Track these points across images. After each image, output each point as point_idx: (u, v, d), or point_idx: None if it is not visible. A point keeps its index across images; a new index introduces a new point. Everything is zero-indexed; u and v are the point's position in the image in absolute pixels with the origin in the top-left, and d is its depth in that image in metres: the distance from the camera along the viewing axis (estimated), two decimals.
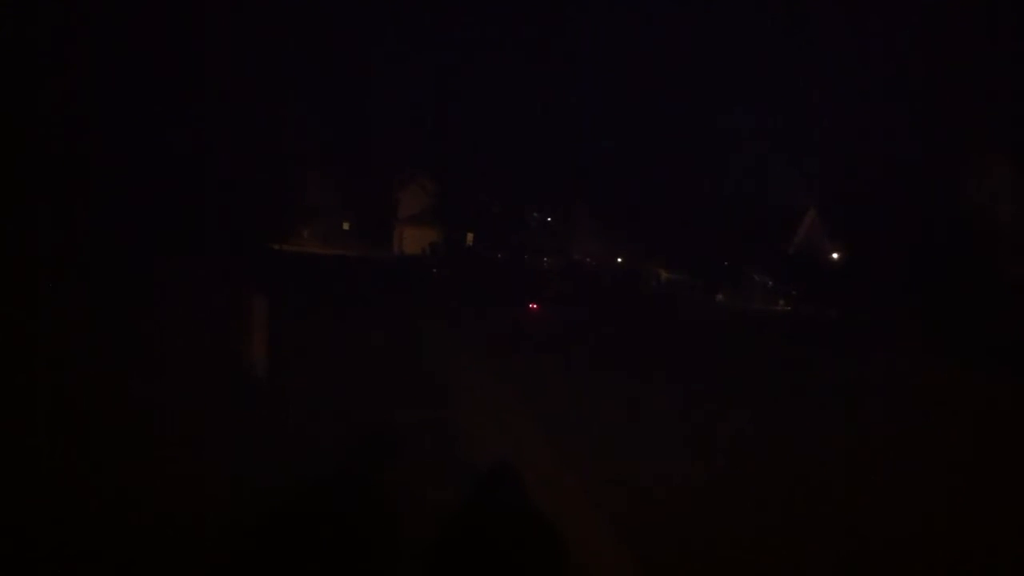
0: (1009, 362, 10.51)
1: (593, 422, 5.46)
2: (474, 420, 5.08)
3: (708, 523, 3.47)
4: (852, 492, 4.18)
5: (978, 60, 16.69)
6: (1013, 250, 14.80)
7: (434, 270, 23.72)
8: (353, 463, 3.45)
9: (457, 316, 12.00)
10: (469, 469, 3.79)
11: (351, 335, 8.17)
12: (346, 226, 38.67)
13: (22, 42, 10.61)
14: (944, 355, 11.45)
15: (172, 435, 3.86)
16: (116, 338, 6.20)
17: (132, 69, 12.35)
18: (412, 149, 38.68)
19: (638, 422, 5.65)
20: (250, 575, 2.36)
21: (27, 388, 4.42)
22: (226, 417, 4.23)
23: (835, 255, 25.32)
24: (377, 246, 35.44)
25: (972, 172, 15.33)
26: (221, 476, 3.31)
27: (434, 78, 52.98)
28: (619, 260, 32.18)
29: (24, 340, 5.76)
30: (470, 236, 35.38)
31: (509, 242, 31.52)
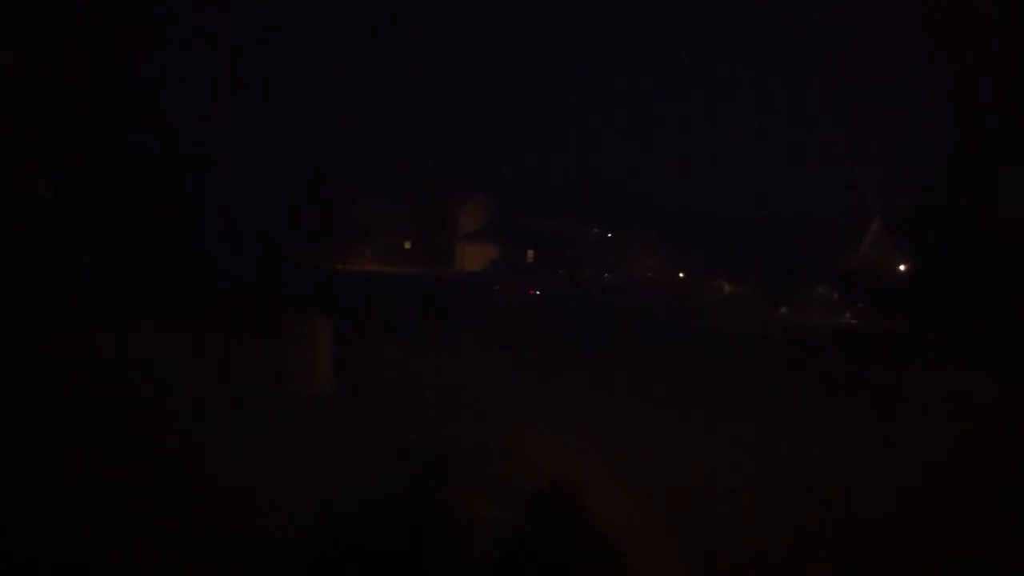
0: None
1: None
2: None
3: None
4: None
5: None
6: None
7: (496, 287, 24.53)
8: (408, 480, 3.83)
9: (513, 332, 12.20)
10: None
11: (413, 353, 8.19)
12: (407, 245, 40.07)
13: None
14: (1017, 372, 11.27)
15: (235, 451, 3.99)
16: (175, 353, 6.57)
17: (192, 92, 13.54)
18: (471, 168, 39.87)
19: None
20: None
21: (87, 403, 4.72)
22: (290, 434, 4.43)
23: (902, 267, 24.71)
24: (438, 264, 36.66)
25: None
26: (281, 492, 3.42)
27: (493, 98, 54.37)
28: (680, 275, 32.22)
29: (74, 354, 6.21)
30: (530, 253, 36.15)
31: (569, 258, 32.01)
